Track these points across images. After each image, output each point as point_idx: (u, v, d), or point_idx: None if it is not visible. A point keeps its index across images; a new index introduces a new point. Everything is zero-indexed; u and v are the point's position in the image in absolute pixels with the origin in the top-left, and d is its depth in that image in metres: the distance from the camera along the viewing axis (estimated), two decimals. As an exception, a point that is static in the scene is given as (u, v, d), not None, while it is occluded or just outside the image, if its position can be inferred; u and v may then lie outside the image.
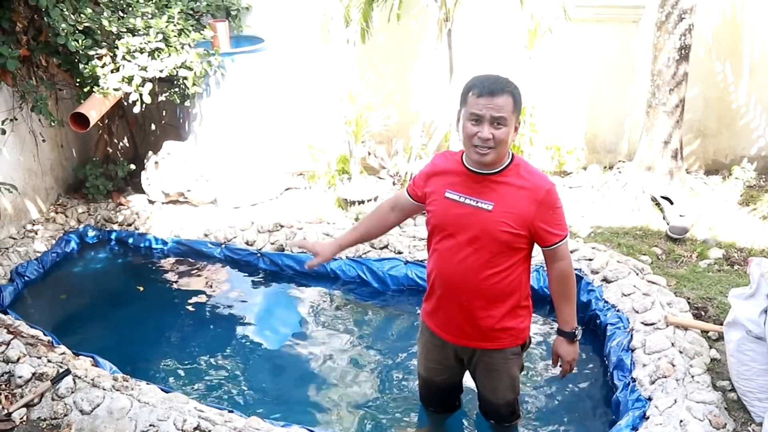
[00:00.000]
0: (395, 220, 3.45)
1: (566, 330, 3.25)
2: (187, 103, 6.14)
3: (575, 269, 4.70)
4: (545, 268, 3.28)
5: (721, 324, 3.97)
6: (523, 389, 3.98)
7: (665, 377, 3.76)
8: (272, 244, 5.63)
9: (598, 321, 4.59)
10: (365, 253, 5.40)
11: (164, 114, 7.01)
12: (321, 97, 6.84)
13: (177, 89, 6.05)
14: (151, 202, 6.39)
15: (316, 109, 6.89)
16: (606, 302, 4.60)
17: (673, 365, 3.82)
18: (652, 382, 3.77)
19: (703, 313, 4.48)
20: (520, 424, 3.79)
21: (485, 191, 2.99)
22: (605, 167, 6.95)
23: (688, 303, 4.54)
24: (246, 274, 5.65)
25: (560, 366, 3.36)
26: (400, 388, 4.27)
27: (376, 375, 4.42)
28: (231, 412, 3.69)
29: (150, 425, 3.46)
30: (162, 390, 3.82)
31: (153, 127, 7.07)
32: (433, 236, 3.19)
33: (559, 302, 3.22)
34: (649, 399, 3.69)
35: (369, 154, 6.66)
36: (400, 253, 5.34)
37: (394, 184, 6.43)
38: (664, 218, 5.87)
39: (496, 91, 2.86)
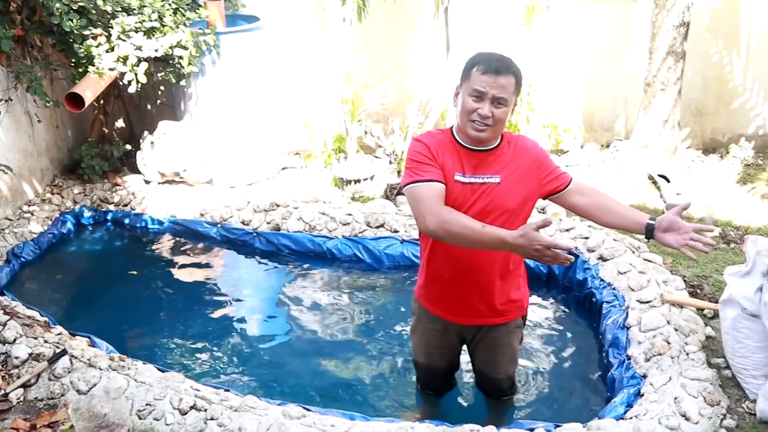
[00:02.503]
0: None
1: (651, 217, 2.98)
2: (182, 83, 6.11)
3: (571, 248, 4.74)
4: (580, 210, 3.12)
5: (717, 302, 3.97)
6: (518, 366, 3.99)
7: (660, 355, 3.76)
8: (268, 223, 5.62)
9: (593, 299, 4.60)
10: (361, 232, 5.40)
11: (160, 94, 6.98)
12: (317, 76, 6.82)
13: (172, 69, 6.01)
14: (147, 182, 6.37)
15: (313, 88, 6.87)
16: (602, 280, 4.61)
17: (668, 343, 3.83)
18: (647, 360, 3.78)
19: (698, 291, 4.48)
20: (516, 401, 3.81)
21: (488, 166, 2.96)
22: (602, 146, 6.94)
23: (684, 281, 4.54)
24: (242, 254, 5.65)
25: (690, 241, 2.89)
26: (397, 366, 4.28)
27: (373, 354, 4.43)
28: (227, 390, 3.70)
29: (146, 404, 3.46)
30: (158, 369, 3.82)
31: (149, 107, 7.04)
32: None
33: (621, 211, 3.05)
34: (644, 376, 3.70)
35: (365, 133, 6.63)
36: (396, 231, 5.34)
37: (390, 163, 6.41)
38: (661, 196, 5.87)
39: (501, 70, 2.83)
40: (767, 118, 7.11)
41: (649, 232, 2.95)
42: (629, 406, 3.50)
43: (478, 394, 3.72)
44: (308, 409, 3.51)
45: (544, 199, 3.14)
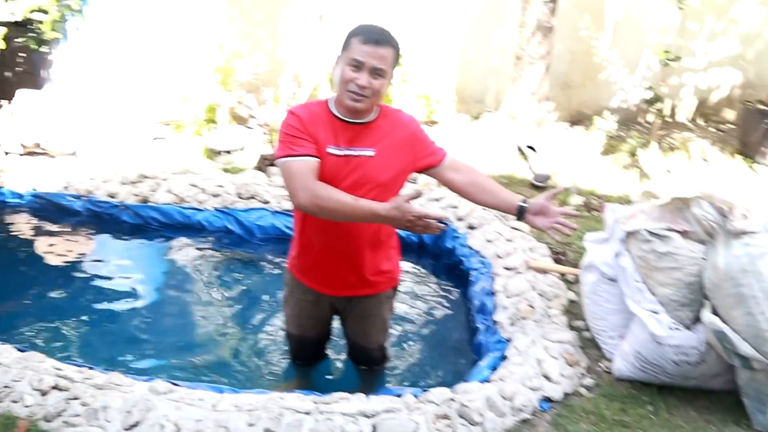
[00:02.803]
0: None
1: (522, 200, 3.09)
2: (44, 49, 5.82)
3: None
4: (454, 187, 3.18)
5: (579, 267, 4.11)
6: (391, 334, 4.03)
7: (524, 319, 3.88)
8: (136, 196, 5.44)
9: (462, 266, 4.69)
10: (232, 204, 5.31)
11: (20, 61, 6.62)
12: (188, 44, 6.63)
13: (33, 34, 5.72)
14: (6, 153, 6.05)
15: (184, 56, 6.67)
16: (470, 248, 4.69)
17: (532, 307, 3.95)
18: (512, 324, 3.89)
19: (562, 258, 4.64)
20: (387, 368, 3.85)
21: (363, 139, 2.94)
22: (474, 117, 7.05)
23: (549, 248, 4.69)
24: (108, 228, 5.43)
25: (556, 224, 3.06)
26: (269, 338, 4.24)
27: (245, 326, 4.37)
28: (91, 368, 3.56)
29: (4, 387, 3.29)
30: (17, 350, 3.65)
31: (8, 74, 6.68)
32: None
33: (495, 191, 3.15)
34: (509, 340, 3.80)
35: (237, 103, 6.52)
36: (266, 202, 5.29)
37: (264, 134, 6.32)
38: (528, 167, 6.02)
39: (381, 42, 2.82)
40: (629, 92, 7.40)
41: (520, 214, 3.07)
42: (494, 369, 3.58)
43: (350, 364, 3.74)
44: (176, 384, 3.42)
45: (419, 173, 3.17)
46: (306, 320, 3.43)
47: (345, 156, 2.91)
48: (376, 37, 2.83)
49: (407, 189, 2.89)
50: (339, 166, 2.91)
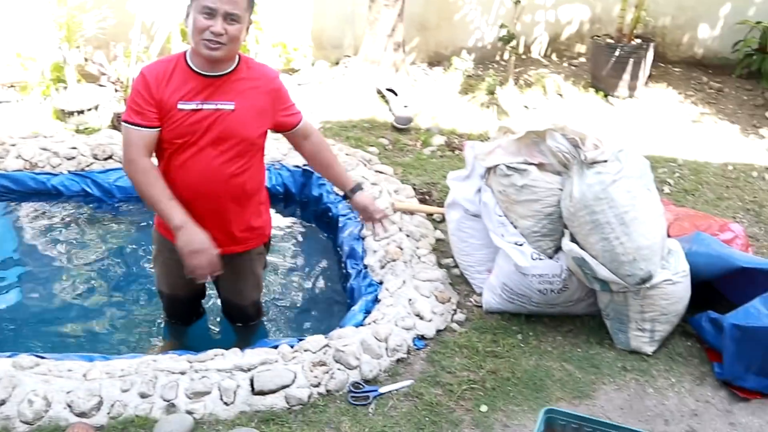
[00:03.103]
0: None
1: (355, 185, 3.39)
2: None
3: (305, 165, 4.78)
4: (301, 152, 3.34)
5: (443, 206, 4.17)
6: (264, 286, 3.99)
7: (394, 261, 3.91)
8: (-18, 163, 5.13)
9: (330, 213, 4.67)
10: (88, 166, 5.07)
11: None
12: (25, -1, 6.24)
13: None
14: None
15: (22, 12, 6.27)
16: (336, 194, 4.67)
17: (401, 248, 3.99)
18: (383, 267, 3.92)
19: (427, 198, 4.70)
20: (263, 319, 3.83)
21: (222, 92, 2.88)
22: (332, 63, 6.99)
23: (414, 189, 4.74)
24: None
25: (373, 222, 3.48)
26: (141, 301, 4.11)
27: (115, 290, 4.22)
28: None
29: None
30: None
31: None
32: (167, 148, 2.95)
33: (336, 169, 3.37)
34: (381, 283, 3.84)
35: (86, 60, 6.20)
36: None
37: (116, 91, 6.06)
38: (389, 110, 6.04)
39: None
40: (485, 31, 7.50)
41: (346, 198, 3.45)
42: (368, 312, 3.62)
43: (226, 321, 3.70)
44: (42, 357, 3.28)
45: (272, 131, 3.14)
46: (176, 279, 3.32)
47: (200, 110, 2.85)
48: None
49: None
50: (197, 122, 2.86)
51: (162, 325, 3.83)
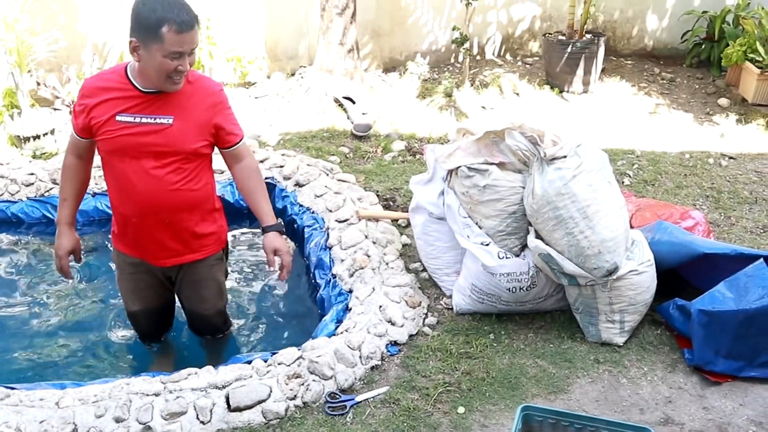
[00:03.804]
0: (89, 164, 3.24)
1: (273, 223, 3.22)
2: None
3: (268, 177, 4.75)
4: (231, 173, 3.26)
5: (408, 211, 4.18)
6: (232, 301, 3.96)
7: (362, 268, 3.92)
8: (-63, 194, 5.03)
9: (295, 225, 4.67)
10: (47, 191, 5.01)
11: None
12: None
13: None
14: None
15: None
16: (301, 206, 4.67)
17: (369, 256, 3.99)
18: (351, 275, 3.92)
19: (391, 204, 4.71)
20: (234, 337, 3.81)
21: (161, 107, 2.93)
22: (288, 74, 6.97)
23: (377, 195, 4.75)
24: None
25: (278, 265, 3.24)
26: (112, 325, 4.06)
27: (85, 316, 4.16)
28: None
29: None
30: None
31: None
32: (109, 163, 3.03)
33: (256, 199, 3.21)
34: (350, 291, 3.83)
35: (38, 84, 6.13)
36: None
37: (71, 113, 5.99)
38: (348, 118, 6.04)
39: (191, 24, 2.78)
40: (438, 35, 7.53)
41: (263, 232, 3.22)
42: (339, 321, 3.62)
43: (196, 340, 3.68)
44: (12, 388, 3.23)
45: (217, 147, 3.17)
46: (146, 290, 3.39)
47: (139, 123, 2.93)
48: (186, 20, 2.77)
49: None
50: (136, 135, 2.93)
51: (135, 346, 3.80)
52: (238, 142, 3.12)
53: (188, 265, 3.26)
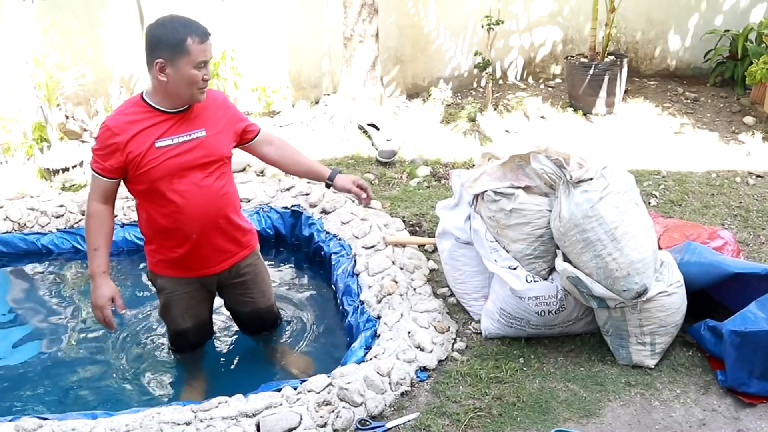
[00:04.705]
0: (113, 208, 3.29)
1: (331, 171, 3.57)
2: None
3: (294, 205, 4.81)
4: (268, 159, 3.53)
5: (434, 236, 4.19)
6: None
7: (390, 294, 3.92)
8: (-32, 226, 5.11)
9: (322, 252, 4.68)
10: (77, 223, 5.08)
11: None
12: (3, 61, 6.26)
13: None
14: None
15: (1, 75, 6.30)
16: (327, 233, 4.70)
17: (396, 282, 4.00)
18: (379, 301, 3.92)
19: (417, 229, 4.72)
20: (263, 364, 3.89)
21: (191, 122, 3.10)
22: (312, 102, 7.05)
23: (404, 221, 4.76)
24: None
25: (357, 195, 3.59)
26: (140, 353, 4.09)
27: (116, 345, 4.18)
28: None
29: None
30: None
31: None
32: (157, 191, 3.12)
33: (304, 162, 3.58)
34: (378, 317, 3.84)
35: (67, 117, 6.26)
36: (114, 216, 5.08)
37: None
38: (372, 144, 6.08)
39: (208, 33, 3.00)
40: (460, 60, 7.58)
41: (328, 185, 3.59)
42: (368, 348, 3.62)
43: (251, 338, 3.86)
44: (45, 418, 3.25)
45: (236, 147, 3.37)
46: (198, 306, 3.56)
47: (179, 143, 3.07)
48: (204, 30, 2.99)
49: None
50: (179, 154, 3.07)
51: (175, 375, 3.85)
52: (260, 129, 3.44)
53: (239, 264, 3.48)
